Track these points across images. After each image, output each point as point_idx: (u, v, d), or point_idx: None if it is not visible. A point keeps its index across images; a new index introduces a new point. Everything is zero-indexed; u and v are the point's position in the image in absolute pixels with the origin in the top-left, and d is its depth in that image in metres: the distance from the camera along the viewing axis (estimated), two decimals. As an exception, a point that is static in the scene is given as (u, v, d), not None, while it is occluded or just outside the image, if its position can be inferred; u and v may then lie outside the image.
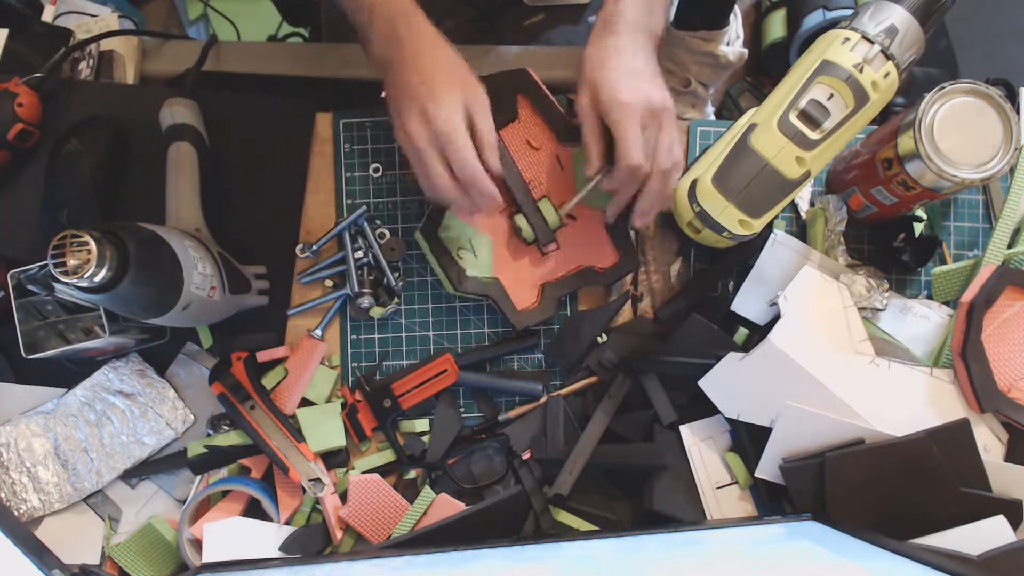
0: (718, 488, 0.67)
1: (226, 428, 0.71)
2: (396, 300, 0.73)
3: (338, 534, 0.69)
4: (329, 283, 0.74)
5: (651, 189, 0.61)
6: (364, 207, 0.73)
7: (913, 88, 1.13)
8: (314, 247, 0.73)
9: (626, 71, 0.58)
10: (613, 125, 0.58)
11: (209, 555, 0.65)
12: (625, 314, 0.74)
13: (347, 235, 0.72)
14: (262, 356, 0.71)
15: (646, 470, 0.67)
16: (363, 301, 0.71)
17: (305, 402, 0.71)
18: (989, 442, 0.65)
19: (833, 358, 0.65)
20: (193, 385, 0.73)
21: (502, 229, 0.71)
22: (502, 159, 0.69)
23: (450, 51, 0.59)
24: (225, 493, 0.70)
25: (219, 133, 0.73)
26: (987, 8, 1.31)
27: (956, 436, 0.63)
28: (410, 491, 0.71)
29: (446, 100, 0.55)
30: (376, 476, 0.69)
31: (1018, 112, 0.67)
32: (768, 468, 0.65)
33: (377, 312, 0.72)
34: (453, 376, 0.71)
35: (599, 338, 0.71)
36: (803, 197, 0.74)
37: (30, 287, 0.64)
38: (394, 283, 0.73)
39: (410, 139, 0.56)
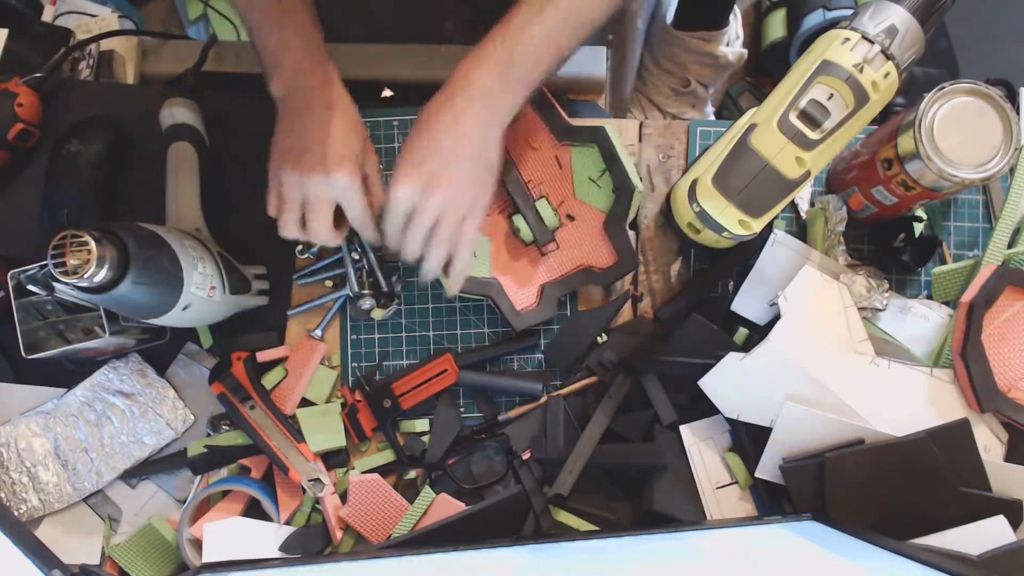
0: (718, 488, 0.67)
1: (226, 428, 0.71)
2: (396, 301, 0.73)
3: (338, 534, 0.69)
4: (329, 283, 0.74)
5: (434, 268, 0.62)
6: (364, 207, 0.73)
7: (913, 88, 1.13)
8: (314, 247, 0.73)
9: (420, 149, 0.58)
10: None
11: (209, 555, 0.65)
12: (625, 314, 0.74)
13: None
14: (262, 356, 0.71)
15: (646, 470, 0.67)
16: (364, 303, 0.71)
17: (305, 402, 0.71)
18: (989, 442, 0.65)
19: (833, 358, 0.65)
20: (193, 385, 0.73)
21: (501, 229, 0.71)
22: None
23: (351, 114, 0.61)
24: (225, 493, 0.70)
25: (219, 133, 0.73)
26: (987, 8, 1.31)
27: (956, 436, 0.63)
28: (410, 491, 0.71)
29: (344, 166, 0.59)
30: (376, 476, 0.69)
31: (1018, 112, 0.67)
32: (768, 468, 0.65)
33: (378, 314, 0.72)
34: (453, 376, 0.71)
35: (599, 338, 0.71)
36: (803, 197, 0.74)
37: (30, 287, 0.64)
38: (385, 286, 0.72)
39: (298, 185, 0.59)
